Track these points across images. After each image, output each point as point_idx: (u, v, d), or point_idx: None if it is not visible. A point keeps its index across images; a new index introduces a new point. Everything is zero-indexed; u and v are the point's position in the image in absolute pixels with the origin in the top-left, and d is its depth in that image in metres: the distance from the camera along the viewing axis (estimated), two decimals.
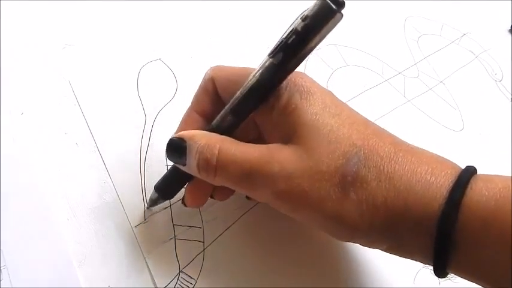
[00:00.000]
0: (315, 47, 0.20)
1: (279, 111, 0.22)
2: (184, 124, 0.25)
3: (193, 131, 0.23)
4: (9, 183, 0.27)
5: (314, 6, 0.19)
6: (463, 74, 0.42)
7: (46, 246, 0.25)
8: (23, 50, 0.31)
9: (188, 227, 0.28)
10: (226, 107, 0.22)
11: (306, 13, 0.20)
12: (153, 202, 0.27)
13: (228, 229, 0.28)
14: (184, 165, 0.22)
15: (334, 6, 0.19)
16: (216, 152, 0.21)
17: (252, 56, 0.36)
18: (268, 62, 0.21)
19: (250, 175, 0.21)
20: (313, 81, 0.23)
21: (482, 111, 0.40)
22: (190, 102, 0.33)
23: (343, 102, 0.23)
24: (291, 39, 0.20)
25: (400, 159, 0.20)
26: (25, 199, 0.27)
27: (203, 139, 0.22)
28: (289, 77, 0.22)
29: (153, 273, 0.26)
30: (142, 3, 0.36)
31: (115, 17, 0.35)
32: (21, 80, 0.30)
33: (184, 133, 0.22)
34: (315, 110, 0.21)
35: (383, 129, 0.22)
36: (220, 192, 0.26)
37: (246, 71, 0.22)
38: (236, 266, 0.27)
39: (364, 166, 0.20)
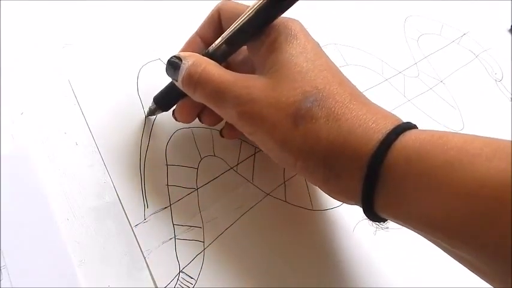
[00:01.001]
0: None
1: (265, 47, 0.24)
2: (187, 45, 0.29)
3: (190, 52, 0.26)
4: (9, 183, 0.27)
5: None
6: (463, 73, 0.42)
7: (46, 246, 0.25)
8: (23, 50, 0.31)
9: (188, 227, 0.28)
10: (222, 36, 0.25)
11: None
12: (151, 112, 0.30)
13: (228, 229, 0.28)
14: (177, 80, 0.26)
15: None
16: (199, 70, 0.24)
17: None
18: (261, 2, 0.23)
19: (222, 94, 0.24)
20: (303, 29, 0.25)
21: (482, 111, 0.40)
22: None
23: (324, 53, 0.25)
24: None
25: (351, 107, 0.23)
26: (25, 199, 0.26)
27: (195, 57, 0.25)
28: (281, 20, 0.24)
29: (153, 273, 0.26)
30: (142, 3, 0.36)
31: (115, 16, 0.35)
32: (21, 80, 0.30)
33: (182, 53, 0.26)
34: (293, 52, 0.24)
35: (349, 82, 0.25)
36: (206, 116, 0.29)
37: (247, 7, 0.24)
38: (236, 266, 0.27)
39: (318, 106, 0.22)
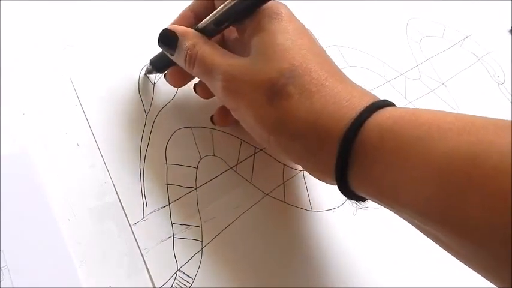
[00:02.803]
0: None
1: (250, 29, 0.26)
2: (179, 19, 0.29)
3: (186, 28, 0.27)
4: (9, 183, 0.27)
5: None
6: (465, 76, 0.42)
7: (47, 246, 0.26)
8: (24, 51, 0.31)
9: (187, 226, 0.28)
10: (210, 16, 0.26)
11: None
12: (148, 71, 0.32)
13: (226, 229, 0.28)
14: (172, 55, 0.27)
15: None
16: (197, 51, 0.26)
17: None
18: None
19: (211, 70, 0.25)
20: (288, 11, 0.26)
21: (484, 114, 0.40)
22: (190, 103, 0.33)
23: (308, 34, 0.26)
24: None
25: (326, 84, 0.23)
26: (26, 199, 0.27)
27: (193, 39, 0.26)
28: (268, 4, 0.25)
29: (150, 271, 0.26)
30: (143, 3, 0.36)
31: (116, 17, 0.35)
32: (22, 81, 0.30)
33: (179, 28, 0.27)
34: (274, 32, 0.24)
35: (331, 62, 0.25)
36: (200, 88, 0.30)
37: None
38: (234, 265, 0.27)
39: (293, 83, 0.23)
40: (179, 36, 0.27)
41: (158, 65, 0.31)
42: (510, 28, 0.47)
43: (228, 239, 0.28)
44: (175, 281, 0.26)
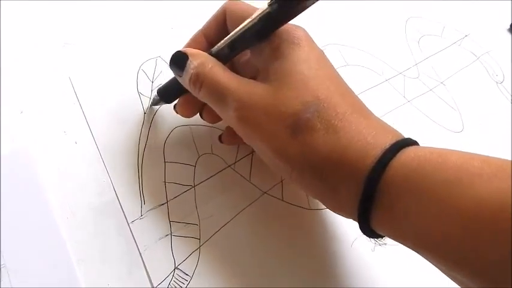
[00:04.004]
0: (311, 4, 0.22)
1: (268, 54, 0.24)
2: (191, 42, 0.29)
3: (197, 50, 0.26)
4: (8, 182, 0.27)
5: None
6: (464, 75, 0.42)
7: (45, 245, 0.26)
8: (23, 49, 0.32)
9: (184, 224, 0.28)
10: (225, 39, 0.25)
11: None
12: (155, 102, 0.31)
13: (224, 227, 0.28)
14: (180, 76, 0.26)
15: None
16: (206, 71, 0.24)
17: None
18: (265, 10, 0.23)
19: (224, 96, 0.24)
20: (307, 36, 0.25)
21: (482, 113, 0.40)
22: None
23: (328, 63, 0.25)
24: None
25: (352, 119, 0.22)
26: (24, 198, 0.27)
27: (202, 58, 0.25)
28: (286, 26, 0.24)
29: (148, 269, 0.26)
30: (141, 2, 0.36)
31: (114, 15, 0.35)
32: (20, 79, 0.30)
33: (189, 49, 0.26)
34: (295, 60, 0.23)
35: (352, 93, 0.25)
36: (207, 114, 0.29)
37: (254, 11, 0.24)
38: (231, 263, 0.27)
39: (318, 117, 0.22)
40: (189, 56, 0.25)
41: (166, 94, 0.29)
42: (509, 27, 0.47)
43: (226, 237, 0.28)
44: (173, 278, 0.26)
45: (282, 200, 0.30)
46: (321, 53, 0.25)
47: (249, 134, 0.24)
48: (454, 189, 0.18)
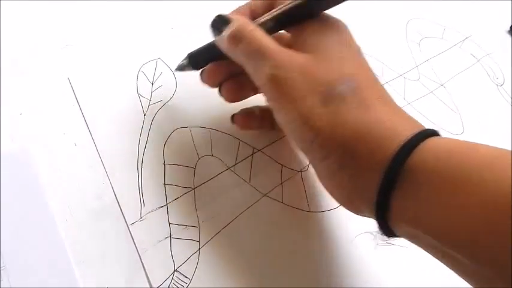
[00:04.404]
0: None
1: (310, 31, 0.24)
2: (235, 12, 0.29)
3: (243, 17, 0.26)
4: (8, 183, 0.27)
5: None
6: (464, 77, 0.42)
7: (45, 246, 0.26)
8: (22, 50, 0.32)
9: (184, 226, 0.28)
10: (270, 13, 0.25)
11: None
12: (181, 67, 0.30)
13: (224, 229, 0.28)
14: (218, 35, 0.26)
15: None
16: (249, 29, 0.24)
17: None
18: None
19: (263, 53, 0.23)
20: (349, 30, 0.26)
21: (483, 115, 0.40)
22: (188, 103, 0.33)
23: (365, 58, 0.25)
24: None
25: (383, 102, 0.23)
26: (24, 199, 0.27)
27: (244, 20, 0.25)
28: (330, 16, 0.25)
29: (148, 271, 0.26)
30: (142, 3, 0.36)
31: (114, 17, 0.35)
32: (20, 80, 0.30)
33: (235, 16, 0.26)
34: (338, 41, 0.24)
35: (383, 86, 0.25)
36: (227, 89, 0.29)
37: None
38: (231, 266, 0.27)
39: (352, 91, 0.22)
40: (232, 19, 0.25)
41: (196, 58, 0.29)
42: (509, 29, 0.47)
43: (226, 239, 0.28)
44: (172, 281, 0.26)
45: (282, 203, 0.30)
46: (359, 48, 0.26)
47: (279, 95, 0.23)
48: (485, 179, 0.18)
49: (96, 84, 0.32)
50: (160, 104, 0.32)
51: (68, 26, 0.33)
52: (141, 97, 0.32)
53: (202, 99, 0.33)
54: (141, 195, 0.28)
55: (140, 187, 0.28)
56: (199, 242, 0.28)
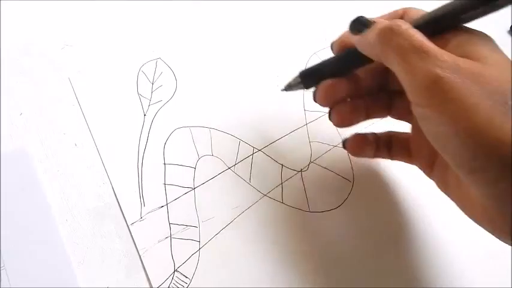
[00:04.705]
0: None
1: (465, 39, 0.22)
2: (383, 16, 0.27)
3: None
4: (8, 184, 0.27)
5: None
6: None
7: (45, 247, 0.26)
8: (22, 51, 0.32)
9: (184, 226, 0.28)
10: (427, 13, 0.23)
11: None
12: (289, 87, 0.29)
13: (224, 229, 0.28)
14: (360, 32, 0.24)
15: None
16: (403, 27, 0.22)
17: (252, 54, 0.36)
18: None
19: (423, 51, 0.21)
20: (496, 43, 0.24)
21: None
22: (189, 102, 0.33)
23: None
24: None
25: None
26: (24, 200, 0.27)
27: (393, 20, 0.23)
28: (475, 29, 0.23)
29: (148, 271, 0.26)
30: (142, 3, 0.36)
31: (114, 16, 0.35)
32: (20, 81, 0.30)
33: (377, 19, 0.24)
34: (498, 53, 0.22)
35: None
36: (338, 112, 0.28)
37: None
38: (231, 266, 0.27)
39: None
40: (376, 21, 0.23)
41: (310, 75, 0.28)
42: (509, 29, 0.47)
43: (226, 239, 0.28)
44: (173, 281, 0.26)
45: (282, 203, 0.30)
46: None
47: (446, 100, 0.20)
48: None
49: (96, 84, 0.32)
50: (160, 104, 0.32)
51: (68, 26, 0.33)
52: (141, 97, 0.32)
53: (202, 98, 0.33)
54: (141, 195, 0.28)
55: (140, 187, 0.28)
56: (199, 242, 0.28)
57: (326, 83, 0.27)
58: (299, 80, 0.28)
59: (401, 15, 0.26)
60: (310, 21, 0.40)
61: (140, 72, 0.33)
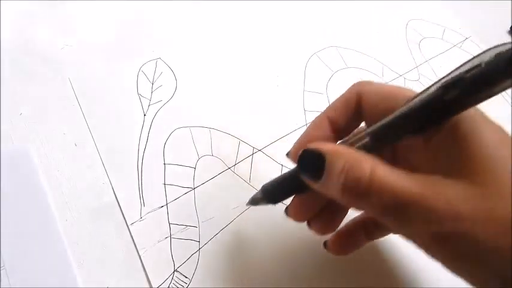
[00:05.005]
0: (506, 88, 0.16)
1: (440, 137, 0.19)
2: (313, 128, 0.23)
3: (334, 145, 0.20)
4: (8, 184, 0.27)
5: None
6: None
7: (45, 247, 0.26)
8: (22, 50, 0.32)
9: (184, 227, 0.28)
10: (367, 128, 0.20)
11: (501, 49, 0.16)
12: (254, 201, 0.26)
13: (224, 229, 0.28)
14: (317, 180, 0.20)
15: None
16: (368, 172, 0.18)
17: (253, 54, 0.36)
18: (433, 93, 0.18)
19: (407, 208, 0.17)
20: (476, 108, 0.19)
21: None
22: (189, 102, 0.33)
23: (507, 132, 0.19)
24: (473, 74, 0.16)
25: None
26: (24, 200, 0.27)
27: (350, 156, 0.19)
28: (464, 123, 0.18)
29: (147, 271, 0.26)
30: (142, 3, 0.36)
31: (115, 17, 0.35)
32: (20, 81, 0.30)
33: (324, 146, 0.20)
34: (490, 142, 0.18)
35: None
36: (317, 223, 0.24)
37: (399, 89, 0.20)
38: (231, 266, 0.27)
39: None
40: (327, 155, 0.19)
41: (274, 194, 0.24)
42: (509, 29, 0.47)
43: (226, 240, 0.28)
44: (172, 281, 0.26)
45: (282, 203, 0.30)
46: (502, 127, 0.19)
47: (456, 254, 0.17)
48: None
49: (96, 84, 0.32)
50: (160, 104, 0.32)
51: (68, 26, 0.33)
52: (141, 97, 0.32)
53: (202, 98, 0.33)
54: (141, 195, 0.28)
55: (140, 187, 0.28)
56: (199, 242, 0.28)
57: (296, 202, 0.24)
58: (262, 195, 0.25)
59: (356, 100, 0.22)
60: (310, 21, 0.40)
61: (140, 72, 0.33)
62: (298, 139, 0.24)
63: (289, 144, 0.33)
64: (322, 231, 0.25)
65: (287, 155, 0.25)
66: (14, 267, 0.25)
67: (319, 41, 0.39)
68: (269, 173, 0.31)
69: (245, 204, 0.27)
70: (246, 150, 0.31)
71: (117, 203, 0.28)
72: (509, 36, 0.48)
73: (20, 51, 0.32)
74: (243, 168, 0.31)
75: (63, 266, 0.25)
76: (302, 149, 0.20)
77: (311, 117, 0.34)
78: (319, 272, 0.28)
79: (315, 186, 0.20)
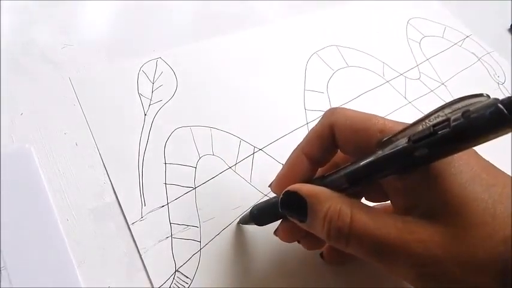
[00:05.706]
0: (474, 146, 0.17)
1: (415, 177, 0.19)
2: (291, 166, 0.24)
3: (314, 187, 0.21)
4: (8, 184, 0.27)
5: (482, 106, 0.15)
6: (465, 76, 0.42)
7: (46, 246, 0.25)
8: (23, 50, 0.31)
9: (185, 226, 0.28)
10: (344, 173, 0.20)
11: (469, 108, 0.16)
12: (244, 221, 0.28)
13: (225, 229, 0.28)
14: (303, 222, 0.21)
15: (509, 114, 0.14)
16: (348, 221, 0.19)
17: (253, 53, 0.36)
18: (402, 148, 0.18)
19: (388, 251, 0.18)
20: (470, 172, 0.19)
21: None
22: (189, 102, 0.33)
23: (491, 165, 0.19)
24: (443, 133, 0.16)
25: None
26: (25, 200, 0.27)
27: (331, 203, 0.20)
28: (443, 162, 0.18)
29: (149, 271, 0.26)
30: (142, 3, 0.36)
31: (115, 16, 0.35)
32: (20, 81, 0.30)
33: (304, 189, 0.21)
34: (463, 180, 0.18)
35: None
36: (308, 242, 0.25)
37: (371, 121, 0.21)
38: (232, 266, 0.27)
39: None
40: (308, 199, 0.20)
41: (262, 217, 0.26)
42: (509, 27, 0.47)
43: (227, 239, 0.28)
44: (174, 281, 0.26)
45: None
46: (476, 154, 0.20)
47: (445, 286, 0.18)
48: None
49: (96, 83, 0.31)
50: (161, 104, 0.32)
51: (68, 26, 0.33)
52: (141, 97, 0.32)
53: (203, 98, 0.33)
54: (141, 195, 0.28)
55: (141, 187, 0.28)
56: (200, 242, 0.27)
57: (285, 225, 0.25)
58: (251, 217, 0.26)
59: (329, 133, 0.22)
60: (311, 20, 0.40)
61: (140, 71, 0.33)
62: (279, 174, 0.25)
63: (289, 143, 0.33)
64: (312, 248, 0.26)
65: (269, 186, 0.26)
66: (14, 267, 0.25)
67: (320, 40, 0.39)
68: (270, 172, 0.31)
69: (237, 223, 0.28)
70: (246, 150, 0.31)
71: (117, 203, 0.28)
72: (510, 34, 0.48)
73: (20, 51, 0.31)
74: (244, 167, 0.31)
75: (64, 266, 0.25)
76: (283, 191, 0.21)
77: (312, 116, 0.34)
78: (320, 272, 0.28)
79: (303, 226, 0.21)
